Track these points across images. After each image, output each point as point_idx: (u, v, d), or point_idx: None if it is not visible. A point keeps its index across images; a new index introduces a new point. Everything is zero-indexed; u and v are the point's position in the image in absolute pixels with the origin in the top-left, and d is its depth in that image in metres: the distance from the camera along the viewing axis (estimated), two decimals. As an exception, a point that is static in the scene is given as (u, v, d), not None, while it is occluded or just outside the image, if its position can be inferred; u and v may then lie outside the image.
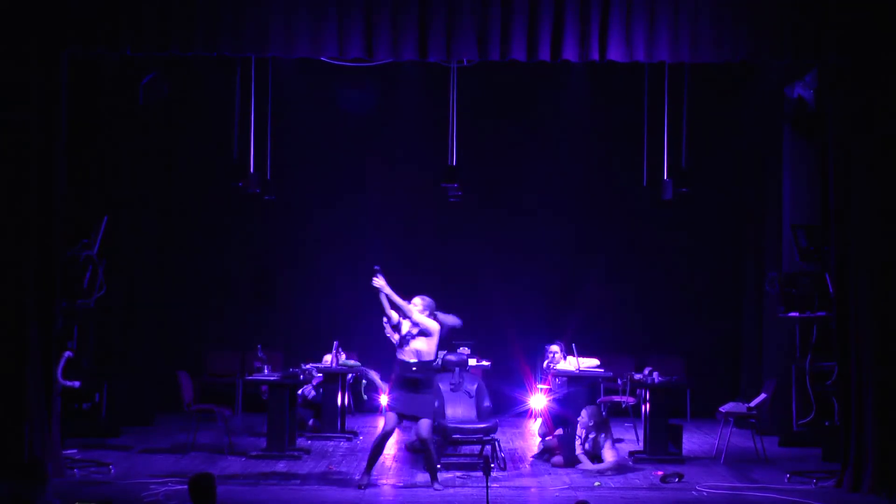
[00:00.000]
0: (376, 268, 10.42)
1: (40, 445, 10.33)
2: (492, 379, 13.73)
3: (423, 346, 10.48)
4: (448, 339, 13.84)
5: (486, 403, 11.81)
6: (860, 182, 10.65)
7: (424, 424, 10.43)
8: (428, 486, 10.56)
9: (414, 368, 10.44)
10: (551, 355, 12.92)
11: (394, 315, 10.55)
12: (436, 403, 10.61)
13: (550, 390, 13.01)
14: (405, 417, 10.58)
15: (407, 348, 10.49)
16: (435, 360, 10.64)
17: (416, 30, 10.57)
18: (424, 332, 10.46)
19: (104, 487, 10.32)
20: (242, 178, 13.36)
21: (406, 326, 10.55)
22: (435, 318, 10.57)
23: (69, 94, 10.89)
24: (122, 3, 10.49)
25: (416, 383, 10.46)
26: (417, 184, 15.64)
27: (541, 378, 13.82)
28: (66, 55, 10.72)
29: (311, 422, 13.55)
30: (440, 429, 11.38)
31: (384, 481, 10.92)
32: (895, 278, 10.52)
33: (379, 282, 10.40)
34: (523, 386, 14.60)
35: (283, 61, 13.24)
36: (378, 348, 13.23)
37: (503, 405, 13.95)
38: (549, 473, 11.39)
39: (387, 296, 10.44)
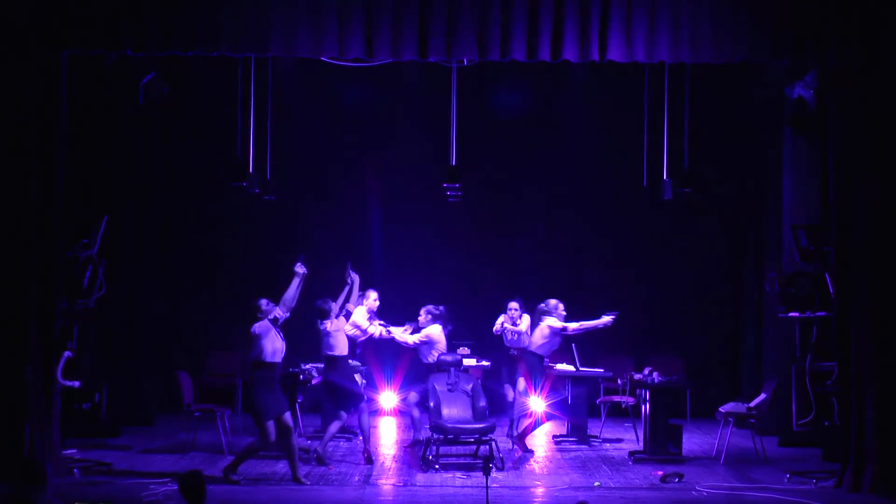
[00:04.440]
0: (302, 256, 10.99)
1: (40, 445, 10.33)
2: (491, 379, 13.71)
3: (280, 345, 10.86)
4: (448, 340, 13.88)
5: (482, 403, 11.82)
6: (860, 182, 10.65)
7: (289, 418, 10.74)
8: (428, 487, 10.58)
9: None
10: (510, 311, 12.83)
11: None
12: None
13: (551, 391, 13.01)
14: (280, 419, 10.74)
15: (275, 349, 10.77)
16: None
17: (416, 30, 10.57)
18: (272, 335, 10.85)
19: (104, 487, 10.33)
20: (242, 178, 13.36)
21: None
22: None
23: (69, 94, 10.89)
24: (122, 3, 10.49)
25: (277, 383, 10.86)
26: (417, 184, 15.65)
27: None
28: (66, 55, 10.73)
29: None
30: (440, 428, 11.39)
31: (384, 481, 10.92)
32: (895, 278, 10.53)
33: (300, 268, 10.86)
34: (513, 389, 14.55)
35: (283, 61, 13.24)
36: (378, 349, 13.24)
37: (504, 406, 13.88)
38: (549, 473, 11.40)
39: (297, 286, 10.81)
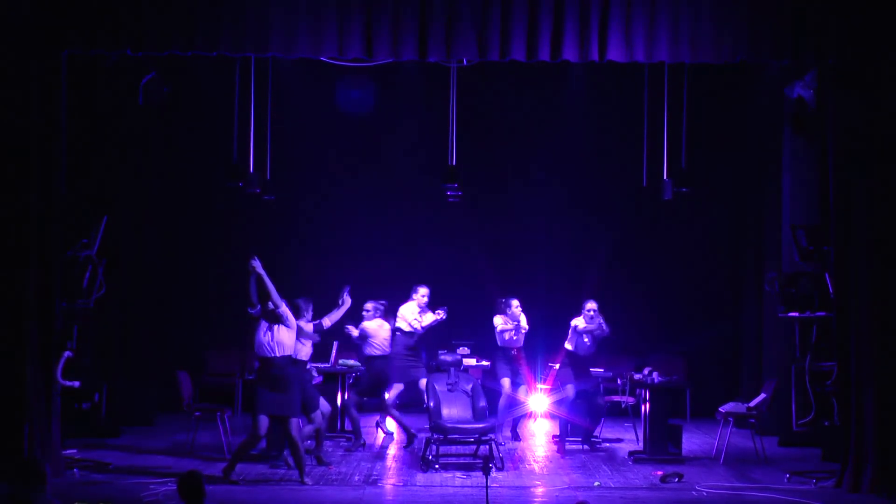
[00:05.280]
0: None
1: (40, 445, 10.34)
2: (491, 379, 13.70)
3: (286, 339, 10.64)
4: (447, 339, 13.88)
5: (482, 403, 11.83)
6: (860, 182, 10.65)
7: (293, 424, 10.55)
8: (428, 487, 10.59)
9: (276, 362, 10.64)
10: (514, 309, 13.10)
11: (276, 305, 10.69)
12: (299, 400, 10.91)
13: (552, 390, 13.02)
14: (274, 419, 10.69)
15: (269, 341, 10.62)
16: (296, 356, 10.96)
17: (416, 30, 10.57)
18: (286, 324, 10.65)
19: (104, 487, 10.33)
20: (242, 178, 13.36)
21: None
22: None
23: (69, 94, 10.89)
24: (122, 3, 10.49)
25: (278, 381, 10.59)
26: (417, 184, 15.65)
27: (542, 378, 13.83)
28: (66, 55, 10.73)
29: None
30: (440, 428, 11.39)
31: (384, 481, 10.92)
32: (895, 278, 10.53)
33: (256, 263, 10.66)
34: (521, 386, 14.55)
35: (283, 61, 13.23)
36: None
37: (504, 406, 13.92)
38: (549, 473, 11.40)
39: (260, 281, 10.62)
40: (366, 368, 12.84)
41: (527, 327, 13.15)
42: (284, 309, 10.66)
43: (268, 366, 10.63)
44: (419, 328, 12.86)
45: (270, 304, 10.61)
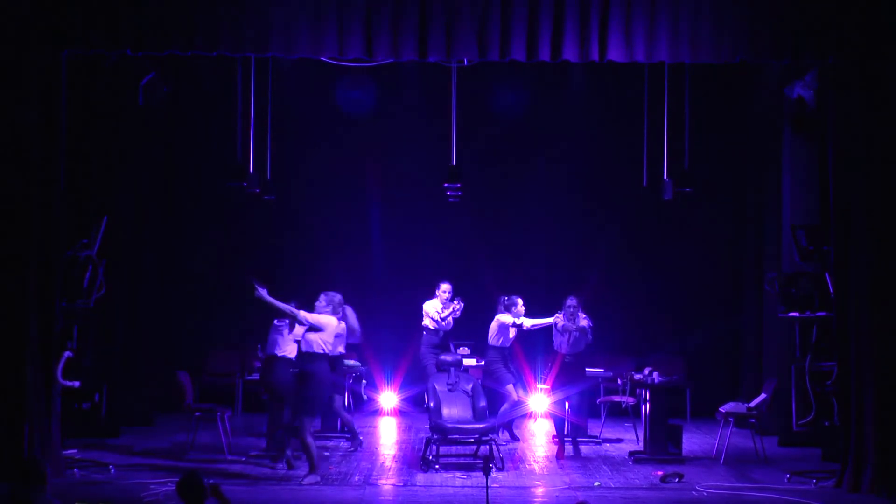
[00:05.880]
0: (253, 282, 10.83)
1: (40, 445, 10.34)
2: (492, 380, 13.70)
3: (311, 337, 10.69)
4: (448, 339, 13.91)
5: (482, 403, 11.83)
6: (860, 182, 10.65)
7: (305, 424, 10.59)
8: (428, 487, 10.59)
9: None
10: (520, 307, 13.14)
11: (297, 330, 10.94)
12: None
13: (552, 390, 13.02)
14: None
15: (294, 340, 10.90)
16: (333, 352, 10.98)
17: (416, 30, 10.58)
18: (315, 328, 10.70)
19: (104, 487, 10.33)
20: (242, 178, 13.36)
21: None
22: (343, 314, 11.13)
23: (69, 94, 10.89)
24: (122, 3, 10.50)
25: (297, 377, 10.73)
26: (417, 184, 15.65)
27: (543, 378, 13.82)
28: (66, 55, 10.73)
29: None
30: (440, 428, 11.39)
31: (384, 481, 10.93)
32: (895, 278, 10.53)
33: (261, 293, 10.67)
34: (523, 386, 14.56)
35: (283, 61, 13.24)
36: (378, 348, 13.25)
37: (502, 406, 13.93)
38: (549, 473, 11.40)
39: (270, 303, 10.68)
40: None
41: (536, 324, 13.22)
42: (304, 314, 10.72)
43: (300, 360, 10.86)
44: (440, 319, 13.24)
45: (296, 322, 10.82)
